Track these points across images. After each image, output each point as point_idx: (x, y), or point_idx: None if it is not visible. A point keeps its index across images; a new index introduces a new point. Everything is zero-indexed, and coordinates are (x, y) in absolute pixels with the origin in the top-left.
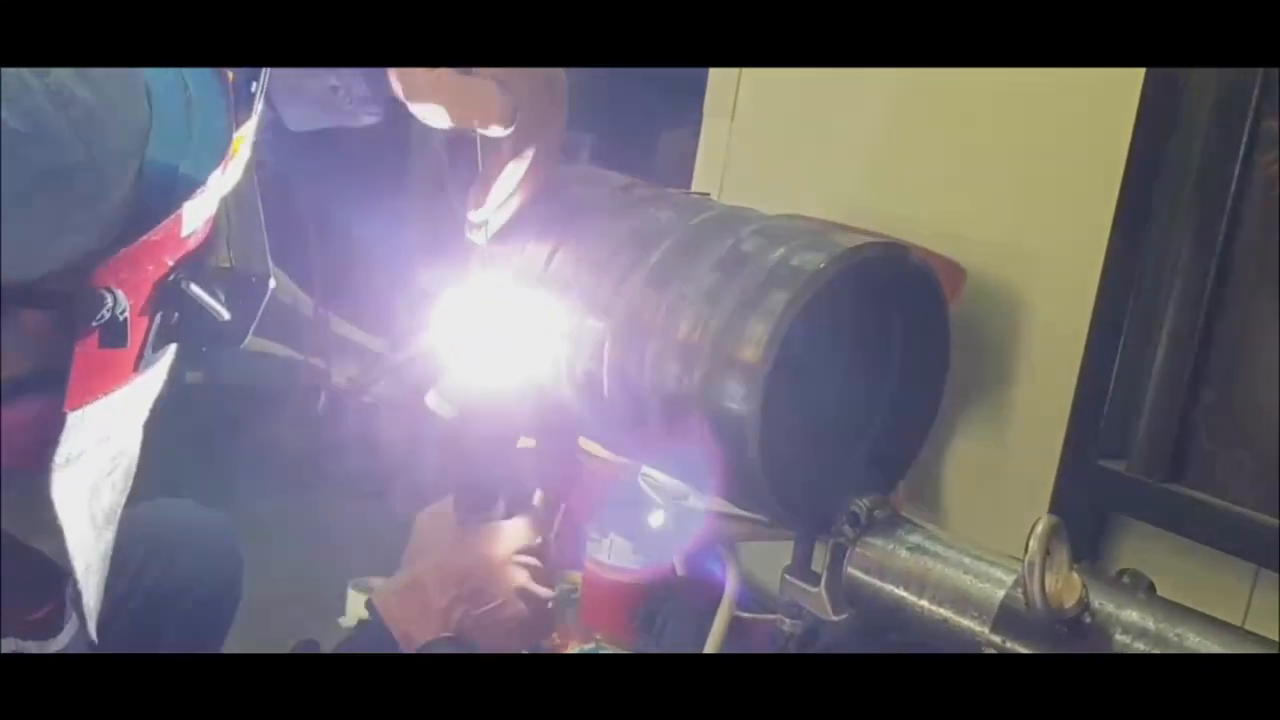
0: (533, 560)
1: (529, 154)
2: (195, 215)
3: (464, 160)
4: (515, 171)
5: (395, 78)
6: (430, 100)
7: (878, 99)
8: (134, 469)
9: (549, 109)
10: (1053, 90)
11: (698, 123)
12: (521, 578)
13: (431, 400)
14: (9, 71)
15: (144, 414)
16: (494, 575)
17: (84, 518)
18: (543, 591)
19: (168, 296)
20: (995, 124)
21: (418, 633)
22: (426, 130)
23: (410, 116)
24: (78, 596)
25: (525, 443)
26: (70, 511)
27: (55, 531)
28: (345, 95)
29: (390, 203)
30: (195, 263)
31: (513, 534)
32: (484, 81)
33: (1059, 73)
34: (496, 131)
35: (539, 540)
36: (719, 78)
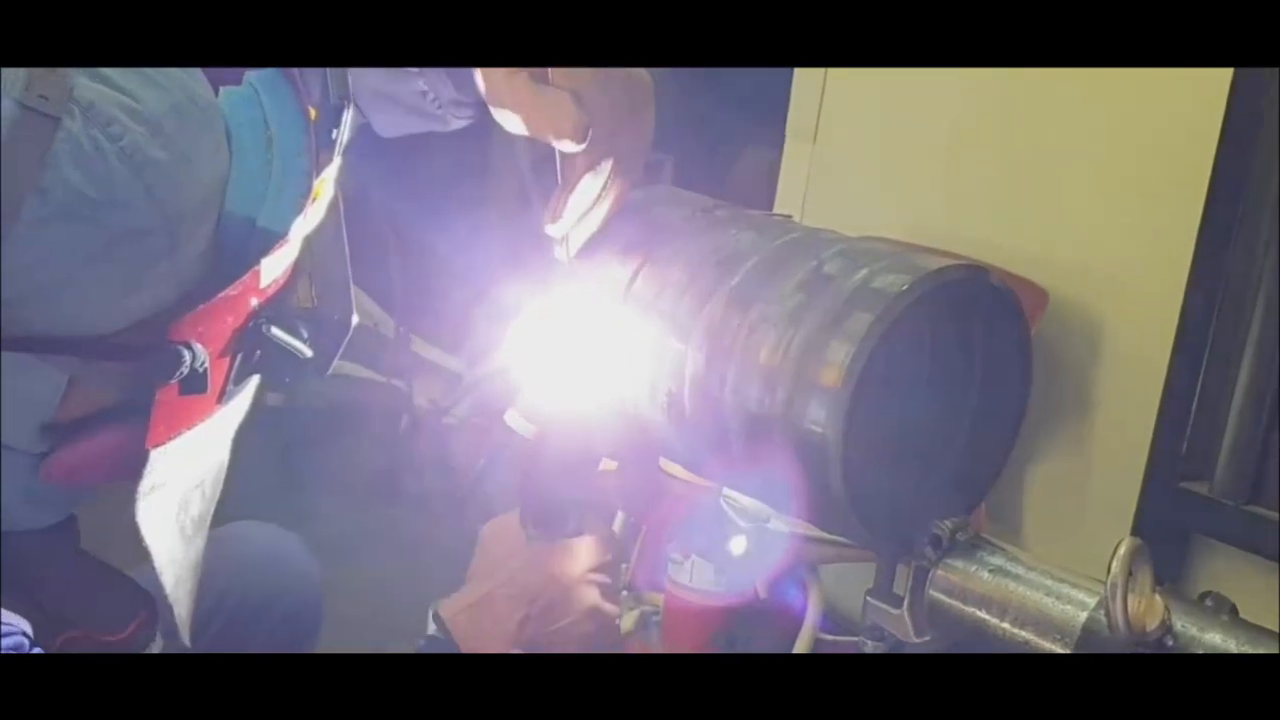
0: (603, 578)
1: (606, 166)
2: (275, 266)
3: (548, 175)
4: (592, 184)
5: (479, 82)
6: (505, 106)
7: (960, 121)
8: (223, 476)
9: (627, 121)
10: (1135, 111)
11: (779, 144)
12: (593, 596)
13: (511, 418)
14: (82, 135)
15: (230, 435)
16: (566, 593)
17: (173, 531)
18: (610, 609)
19: (249, 338)
20: (1077, 146)
21: (487, 649)
22: (510, 145)
23: (494, 129)
24: (169, 610)
25: (607, 465)
26: (157, 531)
27: (137, 544)
28: (434, 99)
29: (471, 218)
30: (276, 305)
31: (585, 552)
32: (559, 94)
33: (1141, 92)
34: (569, 147)
35: (609, 558)
36: (801, 99)
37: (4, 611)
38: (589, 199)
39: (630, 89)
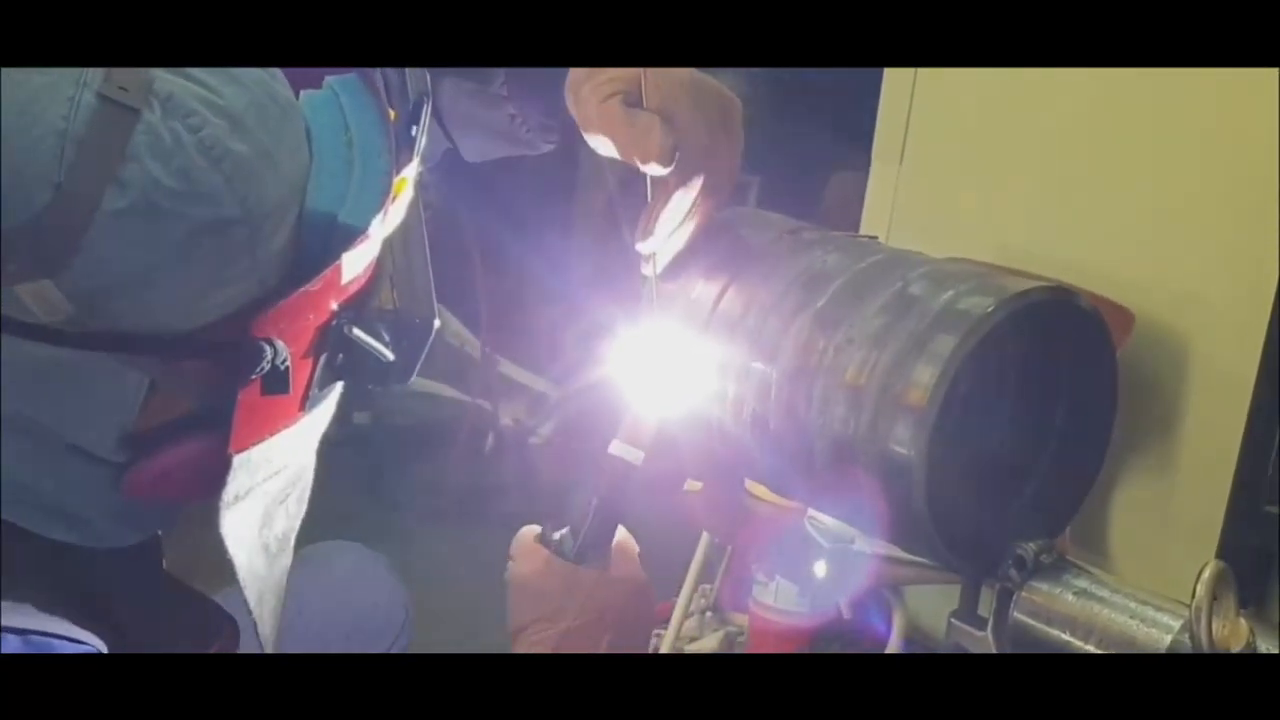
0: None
1: (696, 183)
2: (356, 263)
3: (635, 195)
4: (682, 202)
5: (570, 105)
6: (595, 131)
7: (1045, 143)
8: (308, 493)
9: (719, 137)
10: (1221, 130)
11: (865, 166)
12: (651, 593)
13: (617, 448)
14: (161, 127)
15: (314, 445)
16: (639, 600)
17: (256, 547)
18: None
19: (331, 340)
20: (1164, 166)
21: None
22: (598, 165)
23: (581, 150)
24: (252, 631)
25: (691, 485)
26: (241, 544)
27: (222, 568)
28: (522, 123)
29: (557, 239)
30: (357, 306)
31: (627, 551)
32: (649, 117)
33: (1228, 111)
34: (655, 170)
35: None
36: (887, 121)
37: (79, 631)
38: (678, 216)
39: (722, 109)
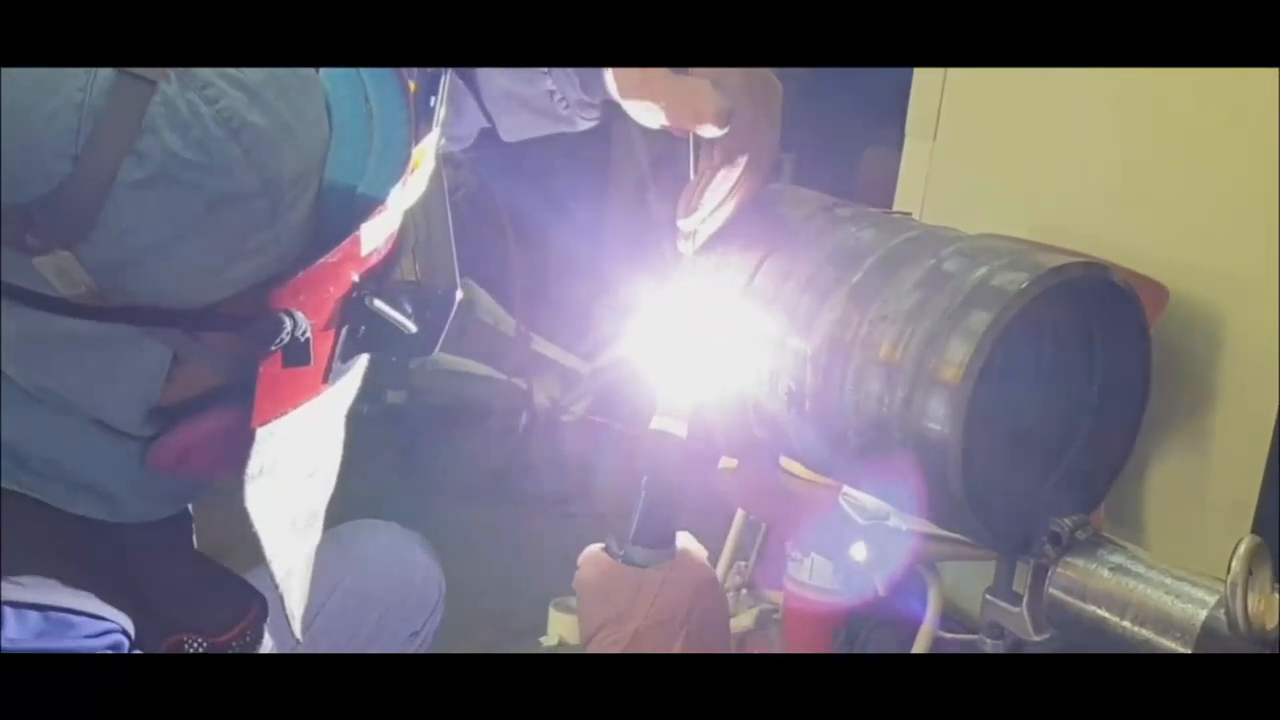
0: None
1: (742, 160)
2: (375, 234)
3: (667, 171)
4: (727, 178)
5: (611, 76)
6: (644, 98)
7: (1078, 119)
8: (336, 468)
9: (763, 115)
10: (1253, 107)
11: (899, 143)
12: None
13: (659, 423)
14: (179, 98)
15: (340, 419)
16: (714, 594)
17: (284, 521)
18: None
19: (352, 311)
20: (1199, 144)
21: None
22: (629, 142)
23: (614, 128)
24: (280, 608)
25: (726, 463)
26: (268, 518)
27: (249, 543)
28: (561, 99)
29: (590, 215)
30: (379, 277)
31: (699, 549)
32: (698, 80)
33: (1260, 90)
34: (710, 131)
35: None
36: (921, 98)
37: (105, 608)
38: (722, 193)
39: (765, 88)
